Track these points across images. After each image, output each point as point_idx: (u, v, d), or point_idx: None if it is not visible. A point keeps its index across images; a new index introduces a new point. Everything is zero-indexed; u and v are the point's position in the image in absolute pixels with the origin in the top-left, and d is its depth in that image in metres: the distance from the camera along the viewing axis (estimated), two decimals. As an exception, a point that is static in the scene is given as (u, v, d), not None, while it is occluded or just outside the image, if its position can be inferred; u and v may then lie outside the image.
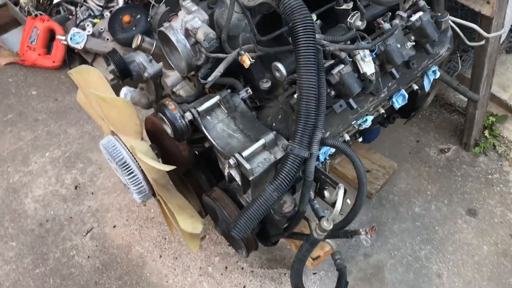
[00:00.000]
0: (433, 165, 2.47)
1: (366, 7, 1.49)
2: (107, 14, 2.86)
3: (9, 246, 2.26)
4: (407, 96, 1.66)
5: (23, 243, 2.26)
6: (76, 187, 2.45)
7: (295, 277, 1.56)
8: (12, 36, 3.14)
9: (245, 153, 1.29)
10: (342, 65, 1.39)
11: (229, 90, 1.42)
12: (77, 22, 2.88)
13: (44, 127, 2.71)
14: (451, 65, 2.50)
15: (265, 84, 1.46)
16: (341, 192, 1.30)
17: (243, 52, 1.29)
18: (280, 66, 1.36)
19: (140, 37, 1.55)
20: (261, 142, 1.31)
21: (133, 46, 1.56)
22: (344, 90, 1.40)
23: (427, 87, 1.73)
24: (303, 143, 1.27)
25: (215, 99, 1.39)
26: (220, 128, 1.40)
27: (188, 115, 1.36)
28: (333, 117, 1.47)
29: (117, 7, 2.86)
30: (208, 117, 1.40)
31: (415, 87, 1.73)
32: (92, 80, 1.51)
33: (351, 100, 1.45)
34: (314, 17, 1.41)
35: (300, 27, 1.22)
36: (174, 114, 1.37)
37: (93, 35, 2.80)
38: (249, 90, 1.45)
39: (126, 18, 2.60)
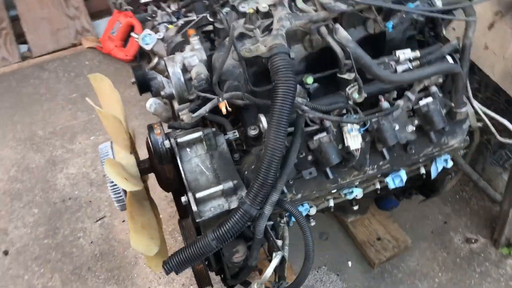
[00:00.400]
0: (453, 252, 2.29)
1: (374, 80, 1.44)
2: (181, 22, 3.01)
3: (32, 212, 2.48)
4: (405, 178, 1.57)
5: (43, 213, 2.47)
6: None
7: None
8: (101, 23, 3.44)
9: (199, 194, 1.32)
10: (324, 133, 1.36)
11: (213, 129, 1.46)
12: (154, 24, 3.07)
13: (99, 113, 2.93)
14: (501, 153, 2.31)
15: (253, 131, 1.47)
16: (274, 261, 1.28)
17: (220, 100, 1.32)
18: (262, 118, 1.37)
19: (157, 59, 1.64)
20: (219, 187, 1.33)
21: (149, 66, 1.65)
22: (321, 158, 1.38)
23: (433, 174, 1.63)
24: (255, 201, 1.26)
25: (198, 134, 1.43)
26: (195, 163, 1.43)
27: (167, 143, 1.42)
28: (308, 181, 1.44)
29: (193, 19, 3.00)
30: (187, 149, 1.45)
31: (423, 171, 1.64)
32: (104, 88, 1.63)
33: (328, 169, 1.41)
34: (311, 80, 1.40)
35: (280, 88, 1.22)
36: (157, 138, 1.44)
37: (163, 39, 2.97)
38: (236, 133, 1.47)
39: (191, 31, 2.72)
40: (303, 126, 1.35)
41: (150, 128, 1.46)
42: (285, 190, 1.41)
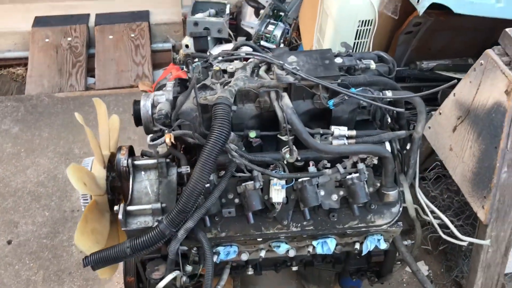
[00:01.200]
0: None
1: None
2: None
3: (43, 214, 2.81)
4: (332, 247, 1.67)
5: (52, 217, 2.79)
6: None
7: None
8: (160, 73, 3.91)
9: (130, 207, 1.54)
10: (252, 181, 1.54)
11: (167, 160, 1.68)
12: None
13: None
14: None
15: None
16: (169, 276, 1.44)
17: (167, 132, 1.56)
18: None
19: (149, 96, 1.94)
20: (148, 206, 1.54)
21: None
22: (245, 202, 1.54)
23: (364, 251, 1.71)
24: (172, 223, 1.46)
25: (153, 161, 1.67)
26: (144, 185, 1.66)
27: (125, 163, 1.67)
28: (234, 223, 1.60)
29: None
30: (142, 172, 1.68)
31: (357, 246, 1.73)
32: (101, 111, 1.94)
33: (250, 214, 1.57)
34: (253, 134, 1.61)
35: (214, 132, 1.44)
36: (120, 158, 1.70)
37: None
38: (188, 169, 1.69)
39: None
40: (232, 170, 1.55)
41: (119, 149, 1.73)
42: (208, 224, 1.58)
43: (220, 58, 1.78)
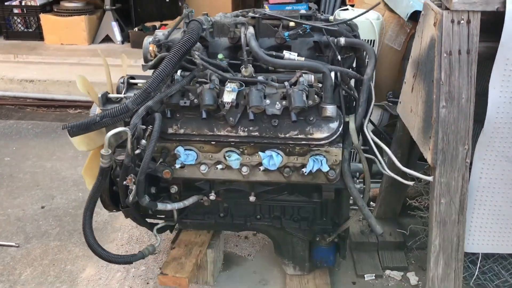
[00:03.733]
0: None
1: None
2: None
3: (77, 194, 3.20)
4: (276, 161, 1.84)
5: (83, 198, 3.16)
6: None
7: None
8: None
9: (110, 95, 1.91)
10: (209, 83, 1.85)
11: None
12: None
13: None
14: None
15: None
16: (117, 129, 1.72)
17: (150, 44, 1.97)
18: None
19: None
20: (123, 95, 1.90)
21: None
22: (200, 100, 1.83)
23: (308, 168, 1.84)
24: (136, 100, 1.79)
25: (143, 80, 2.06)
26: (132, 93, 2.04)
27: (121, 81, 2.08)
28: (191, 122, 1.87)
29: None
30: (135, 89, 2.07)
31: (303, 169, 1.87)
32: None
33: (203, 110, 1.83)
34: (221, 55, 1.95)
35: (183, 37, 1.83)
36: (121, 78, 2.12)
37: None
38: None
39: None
40: (196, 74, 1.88)
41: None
42: (168, 115, 1.86)
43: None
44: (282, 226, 2.21)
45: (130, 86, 2.09)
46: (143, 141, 1.81)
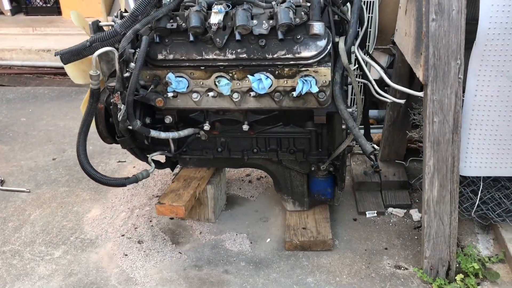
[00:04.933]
0: (373, 268, 2.10)
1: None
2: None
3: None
4: (266, 84, 1.83)
5: (93, 150, 3.22)
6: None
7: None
8: None
9: (102, 23, 1.94)
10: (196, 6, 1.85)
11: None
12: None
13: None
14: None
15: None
16: (103, 48, 1.74)
17: None
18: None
19: None
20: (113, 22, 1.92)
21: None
22: (188, 23, 1.83)
23: (297, 90, 1.82)
24: (124, 24, 1.81)
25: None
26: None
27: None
28: (181, 47, 1.88)
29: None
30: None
31: (293, 92, 1.86)
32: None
33: (190, 34, 1.83)
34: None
35: None
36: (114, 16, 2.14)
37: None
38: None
39: None
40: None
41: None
42: (157, 40, 1.87)
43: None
44: (279, 158, 2.21)
45: (123, 18, 2.11)
46: (132, 64, 1.83)
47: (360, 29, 1.98)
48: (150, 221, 2.46)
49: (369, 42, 2.90)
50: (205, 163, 2.35)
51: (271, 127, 2.13)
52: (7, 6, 6.26)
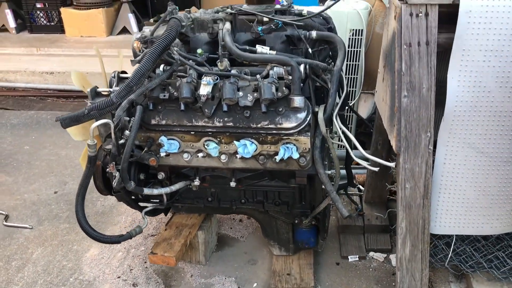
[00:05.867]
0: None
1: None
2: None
3: (88, 180, 3.43)
4: (250, 149, 1.98)
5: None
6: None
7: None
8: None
9: (99, 89, 2.08)
10: (187, 77, 1.99)
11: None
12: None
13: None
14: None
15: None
16: (100, 121, 1.89)
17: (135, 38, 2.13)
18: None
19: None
20: (110, 89, 2.08)
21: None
22: (179, 93, 1.98)
23: (279, 155, 1.97)
24: (120, 94, 1.95)
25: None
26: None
27: (112, 75, 2.25)
28: (172, 114, 2.03)
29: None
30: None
31: (276, 157, 2.00)
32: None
33: (181, 103, 1.98)
34: (200, 51, 2.09)
35: (163, 34, 1.98)
36: (112, 73, 2.29)
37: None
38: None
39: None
40: (175, 68, 2.02)
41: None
42: (151, 107, 2.02)
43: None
44: (265, 209, 2.35)
45: (121, 80, 2.26)
46: (127, 132, 1.98)
47: (340, 97, 2.13)
48: (145, 262, 2.61)
49: (355, 88, 3.04)
50: (196, 210, 2.51)
51: (258, 181, 2.28)
52: (12, 24, 6.43)
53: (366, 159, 2.12)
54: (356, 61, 2.95)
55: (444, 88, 1.87)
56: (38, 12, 6.31)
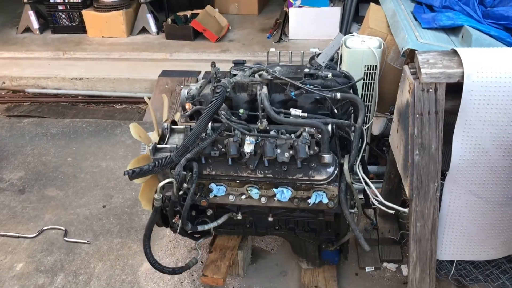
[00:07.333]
0: (370, 323, 2.70)
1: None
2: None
3: (130, 193, 3.86)
4: (287, 195, 2.38)
5: (136, 196, 3.80)
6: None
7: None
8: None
9: (159, 145, 2.48)
10: (233, 137, 2.38)
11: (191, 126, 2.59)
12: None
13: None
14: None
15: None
16: (165, 181, 2.29)
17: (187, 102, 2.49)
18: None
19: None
20: (168, 146, 2.47)
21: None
22: (226, 150, 2.37)
23: (311, 200, 2.38)
24: (178, 153, 2.35)
25: (182, 127, 2.60)
26: (175, 140, 2.59)
27: (165, 126, 2.63)
28: (220, 165, 2.43)
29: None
30: (176, 134, 2.63)
31: (308, 201, 2.41)
32: (165, 103, 2.96)
33: (229, 158, 2.38)
34: (242, 110, 2.46)
35: (213, 99, 2.34)
36: (164, 124, 2.67)
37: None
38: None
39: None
40: (222, 129, 2.41)
41: (166, 120, 2.71)
42: (203, 161, 2.42)
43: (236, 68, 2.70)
44: (296, 235, 2.78)
45: (172, 131, 2.64)
46: (185, 185, 2.38)
47: (361, 147, 2.51)
48: (192, 275, 3.06)
49: (369, 113, 3.40)
50: (235, 233, 2.94)
51: (290, 213, 2.69)
52: (35, 25, 6.72)
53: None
54: (370, 91, 3.31)
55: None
56: (60, 13, 6.59)
